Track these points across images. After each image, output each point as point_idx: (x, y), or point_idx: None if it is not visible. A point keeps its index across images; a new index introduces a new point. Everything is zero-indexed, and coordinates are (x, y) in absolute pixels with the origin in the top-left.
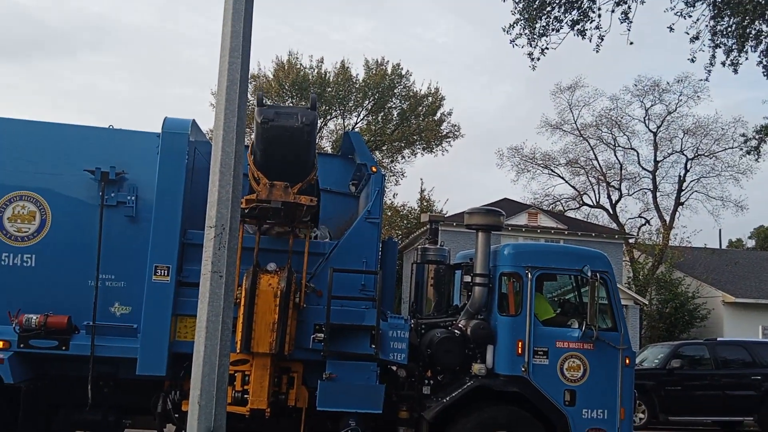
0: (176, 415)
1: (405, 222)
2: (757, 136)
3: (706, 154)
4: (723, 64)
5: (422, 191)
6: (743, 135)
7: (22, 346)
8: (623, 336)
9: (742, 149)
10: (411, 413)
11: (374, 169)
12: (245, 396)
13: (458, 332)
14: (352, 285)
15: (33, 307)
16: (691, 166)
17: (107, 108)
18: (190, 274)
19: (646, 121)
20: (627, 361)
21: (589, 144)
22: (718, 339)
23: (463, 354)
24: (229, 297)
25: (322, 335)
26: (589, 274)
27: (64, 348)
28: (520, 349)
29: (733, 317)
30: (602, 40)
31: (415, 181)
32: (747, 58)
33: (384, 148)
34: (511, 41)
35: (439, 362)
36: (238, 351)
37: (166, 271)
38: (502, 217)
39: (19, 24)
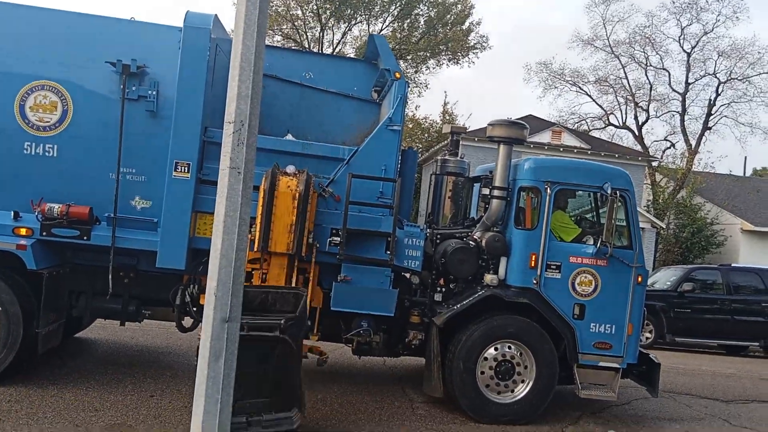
0: (194, 309)
1: (426, 135)
2: None
3: (739, 78)
4: None
5: (445, 104)
6: None
7: (44, 234)
8: (638, 254)
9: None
10: (422, 318)
11: (398, 75)
12: None
13: (473, 243)
14: (370, 192)
15: (55, 197)
16: (722, 90)
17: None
18: (210, 172)
19: (681, 41)
20: (639, 279)
21: (620, 62)
22: (732, 265)
23: (476, 264)
24: (247, 193)
25: (339, 239)
26: (609, 191)
27: (85, 238)
28: (533, 262)
29: (750, 245)
30: None
31: (439, 94)
32: None
33: (409, 57)
34: None
35: (452, 271)
36: (255, 249)
37: (186, 168)
38: (526, 130)
39: None
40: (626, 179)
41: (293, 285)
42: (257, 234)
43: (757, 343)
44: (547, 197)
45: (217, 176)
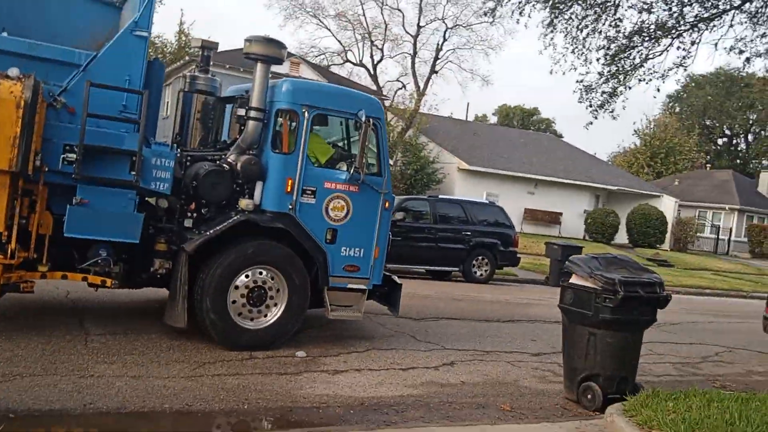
0: None
1: (160, 56)
2: None
3: (464, 25)
4: None
5: (182, 24)
6: None
7: None
8: (386, 181)
9: (481, 10)
10: (169, 246)
11: None
12: None
13: (227, 166)
14: (111, 104)
15: None
16: (449, 36)
17: None
18: None
19: None
20: (387, 205)
21: None
22: (440, 196)
23: (230, 189)
24: None
25: (74, 156)
26: (364, 118)
27: None
28: (289, 187)
29: (465, 182)
30: None
31: (175, 12)
32: None
33: None
34: None
35: (204, 195)
36: None
37: None
38: (284, 50)
39: None
40: (379, 107)
41: (18, 208)
42: None
43: (458, 269)
44: (305, 121)
45: None
